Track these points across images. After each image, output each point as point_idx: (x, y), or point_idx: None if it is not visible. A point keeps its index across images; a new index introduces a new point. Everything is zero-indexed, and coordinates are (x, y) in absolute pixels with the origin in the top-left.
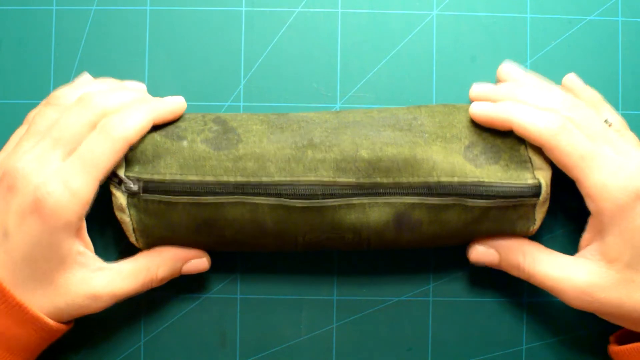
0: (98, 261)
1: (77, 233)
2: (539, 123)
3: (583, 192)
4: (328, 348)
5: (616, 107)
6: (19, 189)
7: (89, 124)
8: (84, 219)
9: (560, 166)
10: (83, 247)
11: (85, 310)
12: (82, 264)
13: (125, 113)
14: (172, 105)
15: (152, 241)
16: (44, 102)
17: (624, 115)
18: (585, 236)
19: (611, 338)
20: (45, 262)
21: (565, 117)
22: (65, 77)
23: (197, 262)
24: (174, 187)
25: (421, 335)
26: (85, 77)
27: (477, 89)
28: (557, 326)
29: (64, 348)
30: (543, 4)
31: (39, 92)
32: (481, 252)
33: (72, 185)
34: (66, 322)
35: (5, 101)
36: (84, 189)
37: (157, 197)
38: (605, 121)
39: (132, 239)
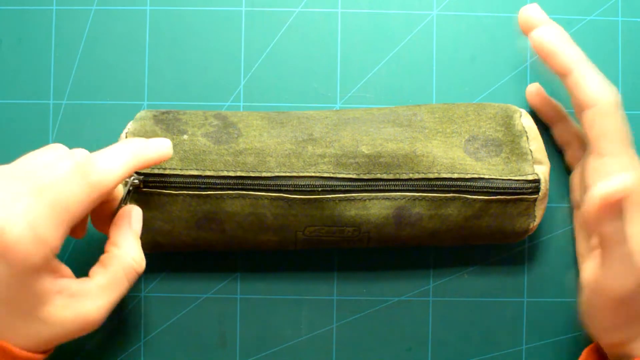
0: (76, 283)
1: (50, 269)
2: (606, 89)
3: (612, 168)
4: (328, 348)
5: None
6: None
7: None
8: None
9: (597, 133)
10: (59, 279)
11: (79, 333)
12: (62, 293)
13: (106, 157)
14: (157, 149)
15: (152, 235)
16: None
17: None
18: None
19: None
20: (22, 302)
21: None
22: (65, 77)
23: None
24: (174, 180)
25: (421, 335)
26: None
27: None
28: (557, 326)
29: (64, 348)
30: (543, 4)
31: (39, 92)
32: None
33: (39, 231)
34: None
35: (5, 101)
36: (53, 235)
37: (157, 190)
38: None
39: None
